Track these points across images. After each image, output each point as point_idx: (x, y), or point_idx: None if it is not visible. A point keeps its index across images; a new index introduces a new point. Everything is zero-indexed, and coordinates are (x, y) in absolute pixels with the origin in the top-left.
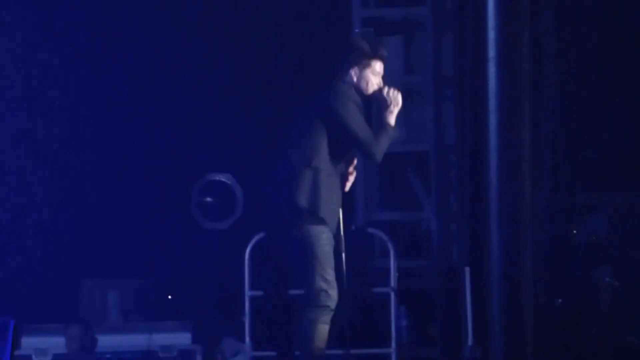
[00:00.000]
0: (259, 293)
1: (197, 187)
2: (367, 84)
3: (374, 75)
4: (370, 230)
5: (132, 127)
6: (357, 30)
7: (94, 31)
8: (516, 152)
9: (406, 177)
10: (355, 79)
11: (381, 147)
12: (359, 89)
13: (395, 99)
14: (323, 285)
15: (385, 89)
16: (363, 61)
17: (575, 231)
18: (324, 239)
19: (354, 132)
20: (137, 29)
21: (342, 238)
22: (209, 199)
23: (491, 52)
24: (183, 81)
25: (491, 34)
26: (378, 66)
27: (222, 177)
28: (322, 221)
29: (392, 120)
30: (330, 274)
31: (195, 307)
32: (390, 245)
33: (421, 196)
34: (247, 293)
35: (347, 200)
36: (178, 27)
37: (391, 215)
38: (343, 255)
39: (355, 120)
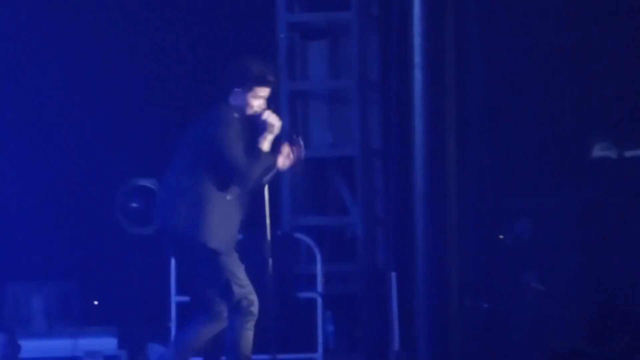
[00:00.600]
0: (185, 298)
1: (122, 192)
2: (246, 106)
3: (254, 99)
4: (297, 235)
5: (58, 129)
6: (282, 36)
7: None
8: (442, 157)
9: (332, 182)
10: (237, 101)
11: (251, 173)
12: (240, 111)
13: (271, 125)
14: (241, 292)
15: (265, 114)
16: (247, 84)
17: (501, 236)
18: (221, 257)
19: (226, 158)
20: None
21: (268, 244)
22: (134, 204)
23: (417, 57)
24: (106, 85)
25: (417, 39)
26: (261, 91)
27: (147, 182)
28: (211, 249)
29: (264, 145)
30: (244, 281)
31: (121, 313)
32: (316, 250)
33: (347, 201)
34: (174, 298)
35: (274, 205)
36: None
37: (317, 220)
38: (270, 261)
39: (228, 145)
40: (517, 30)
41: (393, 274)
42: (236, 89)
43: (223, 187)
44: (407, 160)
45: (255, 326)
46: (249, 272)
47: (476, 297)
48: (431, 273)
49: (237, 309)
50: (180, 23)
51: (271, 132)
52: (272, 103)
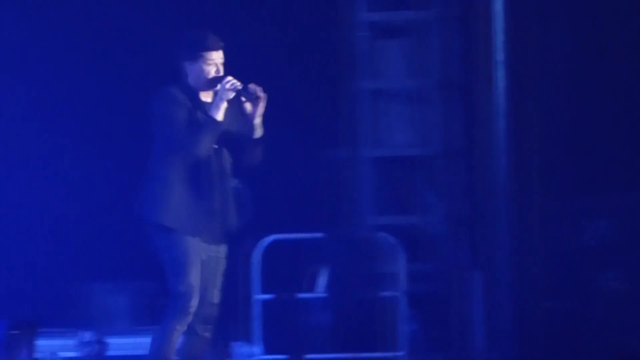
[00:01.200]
0: (268, 296)
1: None
2: (197, 78)
3: (206, 66)
4: (380, 234)
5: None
6: (361, 34)
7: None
8: (524, 156)
9: (415, 181)
10: (187, 76)
11: (200, 143)
12: (191, 86)
13: (225, 92)
14: (180, 290)
15: (225, 81)
16: (194, 55)
17: (583, 234)
18: (177, 246)
19: (170, 136)
20: None
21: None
22: None
23: (499, 55)
24: None
25: (499, 38)
26: (213, 55)
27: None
28: (169, 229)
29: (217, 114)
30: (186, 281)
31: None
32: (399, 249)
33: (430, 200)
34: (257, 296)
35: (355, 204)
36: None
37: (399, 219)
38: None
39: (169, 121)
40: (598, 26)
41: (476, 273)
42: (186, 63)
43: (180, 166)
44: (489, 159)
45: (338, 325)
46: (333, 271)
47: (559, 296)
48: (514, 271)
49: (172, 307)
50: (257, 22)
51: (224, 98)
52: (349, 101)
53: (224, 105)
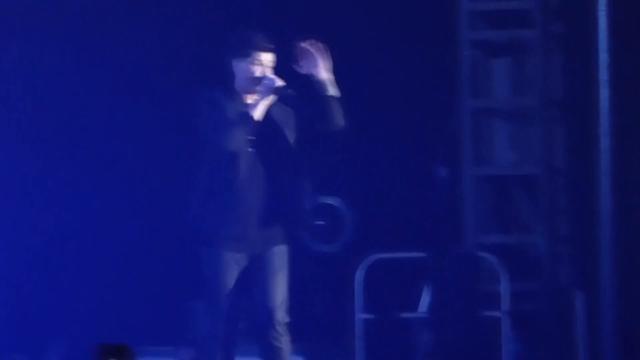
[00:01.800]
0: (370, 316)
1: (307, 210)
2: (241, 78)
3: (252, 66)
4: (482, 253)
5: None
6: (465, 53)
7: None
8: (628, 174)
9: (516, 200)
10: (234, 76)
11: (234, 140)
12: (236, 88)
13: (265, 90)
14: (217, 309)
15: (265, 80)
16: (242, 53)
17: None
18: (216, 257)
19: (208, 138)
20: None
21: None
22: (319, 222)
23: (602, 74)
24: None
25: (603, 57)
26: (261, 56)
27: (332, 201)
28: (205, 240)
29: (254, 112)
30: (222, 300)
31: (307, 331)
32: (500, 269)
33: (533, 219)
34: (359, 316)
35: (456, 223)
36: None
37: (502, 238)
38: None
39: (210, 125)
40: None
41: (579, 292)
42: (234, 62)
43: (217, 172)
44: (592, 178)
45: (440, 344)
46: (436, 290)
47: None
48: (618, 290)
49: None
50: (364, 42)
51: (267, 96)
52: (453, 119)
53: (265, 103)
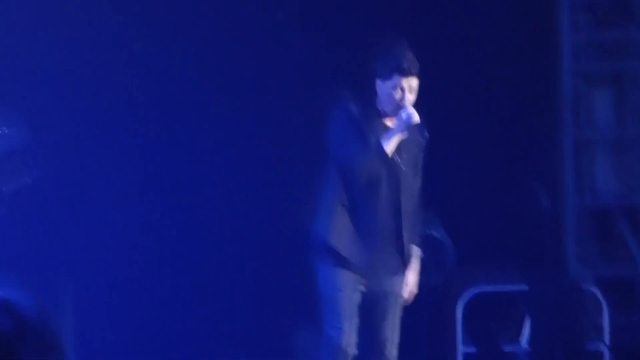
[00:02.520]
0: (472, 349)
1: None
2: (383, 100)
3: (395, 90)
4: (583, 285)
5: None
6: (567, 84)
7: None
8: None
9: (619, 231)
10: (379, 95)
11: (364, 170)
12: (384, 106)
13: (401, 123)
14: (329, 333)
15: (403, 112)
16: (387, 74)
17: None
18: (335, 277)
19: (340, 157)
20: None
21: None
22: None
23: None
24: None
25: None
26: (403, 81)
27: (434, 232)
28: (336, 260)
29: (387, 144)
30: (340, 321)
31: None
32: (603, 301)
33: (634, 250)
34: (461, 349)
35: (561, 255)
36: None
37: (604, 270)
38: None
39: (342, 143)
40: None
41: None
42: (378, 81)
43: (347, 194)
44: None
45: None
46: (537, 324)
47: None
48: None
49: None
50: (468, 76)
51: (401, 131)
52: (555, 152)
53: (398, 137)
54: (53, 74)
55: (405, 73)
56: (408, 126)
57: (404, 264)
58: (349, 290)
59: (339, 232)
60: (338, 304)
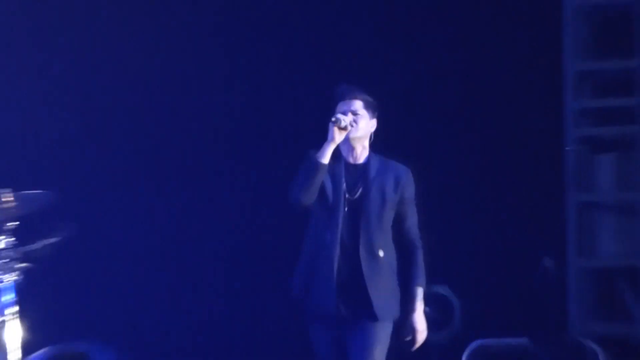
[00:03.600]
0: None
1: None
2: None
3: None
4: (584, 341)
5: None
6: (569, 148)
7: None
8: None
9: (619, 291)
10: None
11: (302, 188)
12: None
13: (330, 129)
14: None
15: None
16: (335, 107)
17: None
18: (310, 325)
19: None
20: None
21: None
22: (426, 309)
23: None
24: None
25: None
26: (342, 106)
27: (440, 289)
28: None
29: (320, 154)
30: None
31: None
32: (603, 358)
33: (634, 310)
34: None
35: (563, 312)
36: None
37: (605, 327)
38: None
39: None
40: None
41: None
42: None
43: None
44: None
45: None
46: None
47: None
48: None
49: None
50: (473, 141)
51: (330, 137)
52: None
53: (331, 146)
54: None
55: (340, 98)
56: (332, 130)
57: (374, 312)
58: (323, 343)
59: (306, 280)
60: (324, 355)
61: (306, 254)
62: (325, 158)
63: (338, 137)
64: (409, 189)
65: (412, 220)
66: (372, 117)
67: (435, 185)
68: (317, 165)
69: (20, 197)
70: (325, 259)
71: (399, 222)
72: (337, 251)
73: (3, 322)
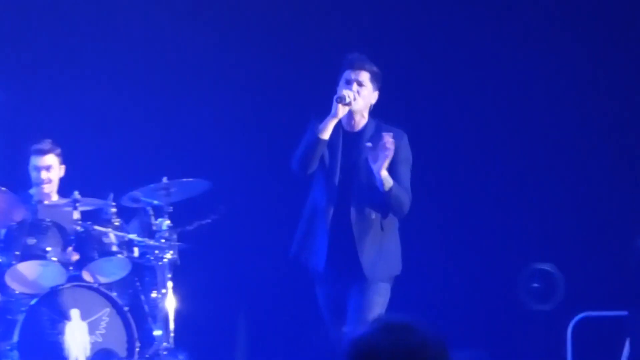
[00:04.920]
0: None
1: (525, 274)
2: (339, 93)
3: (343, 83)
4: None
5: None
6: None
7: None
8: None
9: None
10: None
11: (300, 159)
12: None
13: (334, 105)
14: (331, 336)
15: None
16: (341, 73)
17: None
18: (318, 285)
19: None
20: None
21: None
22: (535, 285)
23: None
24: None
25: None
26: (351, 74)
27: (546, 266)
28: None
29: (320, 129)
30: (331, 327)
31: None
32: None
33: None
34: None
35: None
36: None
37: None
38: None
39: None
40: None
41: None
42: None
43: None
44: None
45: None
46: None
47: None
48: None
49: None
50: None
51: (333, 113)
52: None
53: (332, 121)
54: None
55: (352, 66)
56: (336, 107)
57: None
58: (321, 300)
59: (302, 241)
60: (324, 310)
61: (304, 217)
62: (326, 133)
63: (341, 112)
64: (401, 152)
65: (405, 183)
66: (375, 89)
67: (538, 168)
68: (318, 140)
69: (178, 184)
70: (320, 222)
71: None
72: (330, 214)
73: (164, 294)
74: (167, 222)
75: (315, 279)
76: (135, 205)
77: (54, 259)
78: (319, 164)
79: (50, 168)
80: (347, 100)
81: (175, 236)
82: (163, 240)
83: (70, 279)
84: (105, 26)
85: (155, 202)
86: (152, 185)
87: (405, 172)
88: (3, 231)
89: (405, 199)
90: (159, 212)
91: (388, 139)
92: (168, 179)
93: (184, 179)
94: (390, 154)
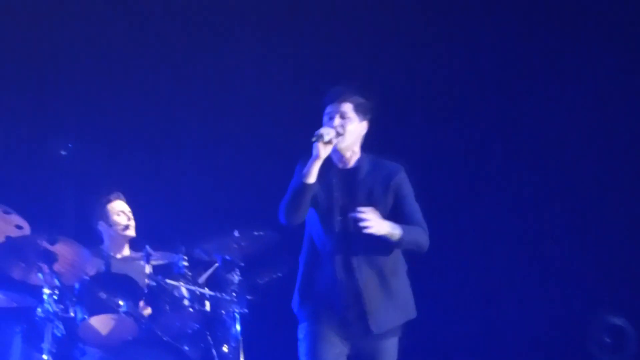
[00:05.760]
0: None
1: (597, 328)
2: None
3: (325, 119)
4: None
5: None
6: None
7: None
8: None
9: None
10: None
11: (287, 207)
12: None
13: (314, 145)
14: None
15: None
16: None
17: None
18: (306, 337)
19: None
20: None
21: None
22: (607, 339)
23: None
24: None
25: None
26: (329, 108)
27: (617, 320)
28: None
29: (305, 173)
30: None
31: None
32: None
33: None
34: None
35: None
36: None
37: None
38: None
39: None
40: None
41: None
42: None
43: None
44: None
45: None
46: None
47: None
48: None
49: None
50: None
51: (315, 155)
52: None
53: (316, 163)
54: None
55: (332, 100)
56: (316, 147)
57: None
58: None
59: (308, 292)
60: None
61: (304, 264)
62: (311, 177)
63: (324, 152)
64: (404, 187)
65: (417, 216)
66: (363, 119)
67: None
68: (304, 185)
69: (249, 237)
70: (325, 269)
71: (405, 222)
72: (338, 260)
73: (235, 348)
74: (238, 275)
75: (317, 330)
76: (207, 259)
77: (126, 312)
78: (315, 207)
79: (130, 213)
80: (327, 138)
81: (246, 289)
82: (234, 294)
83: (142, 332)
84: (178, 83)
85: (227, 257)
86: (224, 239)
87: (412, 205)
88: (77, 285)
89: (420, 237)
90: (230, 265)
91: (363, 216)
92: (239, 232)
93: (255, 232)
94: (374, 229)
